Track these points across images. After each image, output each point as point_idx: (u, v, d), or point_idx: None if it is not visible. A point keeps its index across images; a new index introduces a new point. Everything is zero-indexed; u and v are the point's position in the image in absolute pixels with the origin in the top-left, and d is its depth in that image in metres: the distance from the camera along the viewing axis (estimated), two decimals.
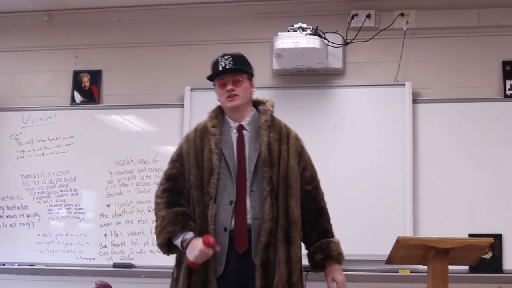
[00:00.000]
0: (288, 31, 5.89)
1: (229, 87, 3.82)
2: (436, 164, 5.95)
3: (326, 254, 3.78)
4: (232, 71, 3.86)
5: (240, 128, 3.87)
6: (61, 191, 6.53)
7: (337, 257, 3.78)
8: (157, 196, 3.83)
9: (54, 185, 6.55)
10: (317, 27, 6.00)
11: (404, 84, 6.06)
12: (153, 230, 3.79)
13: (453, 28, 6.22)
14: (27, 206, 6.58)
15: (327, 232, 3.86)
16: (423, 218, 5.87)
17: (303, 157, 3.91)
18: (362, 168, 5.99)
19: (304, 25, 5.86)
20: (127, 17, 6.83)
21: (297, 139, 3.94)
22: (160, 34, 6.75)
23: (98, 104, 6.71)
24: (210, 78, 3.91)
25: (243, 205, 3.68)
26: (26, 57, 7.00)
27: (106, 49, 6.83)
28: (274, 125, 3.88)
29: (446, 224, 5.79)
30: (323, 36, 6.03)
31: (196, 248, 3.54)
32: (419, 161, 5.96)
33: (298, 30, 5.85)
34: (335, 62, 6.25)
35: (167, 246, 3.72)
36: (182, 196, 3.79)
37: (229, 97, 3.83)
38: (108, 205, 6.42)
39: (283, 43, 5.84)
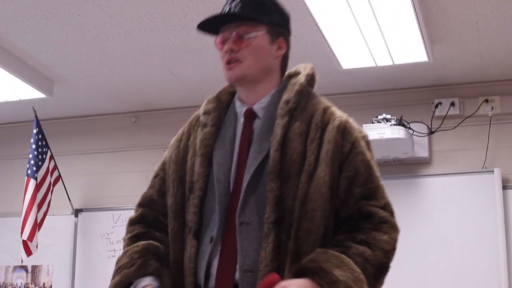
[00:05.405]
0: (373, 123, 5.90)
1: (227, 46, 2.41)
2: None
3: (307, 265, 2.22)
4: (233, 17, 2.43)
5: (249, 115, 2.44)
6: None
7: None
8: (125, 232, 2.56)
9: None
10: (401, 117, 6.00)
11: (493, 171, 5.96)
12: None
13: None
14: None
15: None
16: None
17: (351, 161, 2.34)
18: (453, 259, 5.85)
19: (388, 116, 5.87)
20: None
21: (345, 130, 2.37)
22: None
23: None
24: (203, 29, 2.50)
25: (231, 245, 2.28)
26: (115, 158, 7.16)
27: None
28: (304, 109, 2.39)
29: None
30: (408, 126, 6.03)
31: None
32: None
33: (382, 121, 5.86)
34: (421, 151, 6.21)
35: None
36: (156, 227, 2.49)
37: (227, 63, 2.44)
38: None
39: (368, 135, 5.82)
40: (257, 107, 2.43)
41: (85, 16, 5.09)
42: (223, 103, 2.52)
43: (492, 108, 6.18)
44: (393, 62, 5.71)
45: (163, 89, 6.51)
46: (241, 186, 2.31)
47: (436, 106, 6.28)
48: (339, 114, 2.41)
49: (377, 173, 2.38)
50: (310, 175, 2.27)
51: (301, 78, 2.44)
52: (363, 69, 5.86)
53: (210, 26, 2.48)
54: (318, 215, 2.24)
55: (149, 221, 2.51)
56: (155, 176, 2.57)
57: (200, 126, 2.48)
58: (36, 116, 6.55)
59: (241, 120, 2.44)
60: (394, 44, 5.38)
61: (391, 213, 2.35)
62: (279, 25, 2.46)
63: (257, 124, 2.40)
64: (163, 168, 2.56)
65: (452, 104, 6.25)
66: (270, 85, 2.44)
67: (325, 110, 2.40)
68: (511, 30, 5.28)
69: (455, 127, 6.20)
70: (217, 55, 5.65)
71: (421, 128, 6.22)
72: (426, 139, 6.23)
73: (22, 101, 6.56)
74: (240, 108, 2.46)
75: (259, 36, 2.39)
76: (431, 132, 6.25)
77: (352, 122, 2.44)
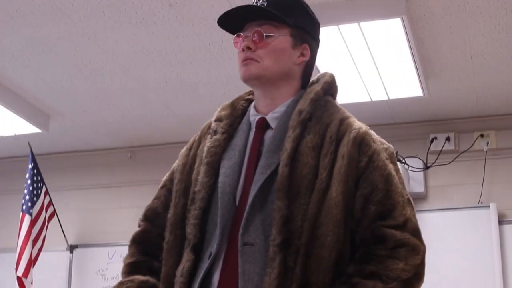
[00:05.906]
0: None
1: (244, 43, 2.23)
2: None
3: None
4: (253, 12, 2.25)
5: (261, 125, 2.25)
6: None
7: None
8: (127, 252, 2.41)
9: None
10: (397, 152, 5.98)
11: (489, 206, 5.94)
12: None
13: None
14: None
15: None
16: None
17: (367, 177, 2.11)
18: None
19: None
20: None
21: (363, 142, 2.15)
22: None
23: None
24: (224, 27, 2.32)
25: (232, 266, 2.07)
26: (110, 193, 7.14)
27: None
28: (319, 120, 2.19)
29: None
30: (403, 161, 6.04)
31: None
32: (510, 285, 5.79)
33: None
34: (417, 186, 6.21)
35: None
36: (158, 248, 2.28)
37: (244, 59, 2.24)
38: None
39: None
40: (271, 117, 2.23)
41: (81, 51, 5.12)
42: (238, 110, 2.33)
43: (488, 143, 6.18)
44: (388, 97, 5.73)
45: (159, 124, 6.52)
46: (247, 201, 2.10)
47: (432, 141, 6.28)
48: (357, 125, 2.19)
49: (399, 188, 2.13)
50: (321, 194, 2.05)
51: (317, 87, 2.26)
52: (358, 104, 5.84)
53: (231, 24, 2.30)
54: (329, 240, 2.02)
55: (151, 241, 2.32)
56: (162, 187, 2.39)
57: (210, 134, 2.28)
58: (31, 151, 6.54)
59: (254, 129, 2.24)
60: (389, 79, 5.39)
61: (412, 231, 2.13)
62: (304, 30, 2.29)
63: (268, 135, 2.20)
64: (171, 178, 2.37)
65: (448, 139, 6.26)
66: (287, 93, 2.26)
67: (342, 121, 2.19)
68: (505, 65, 5.30)
69: (450, 162, 6.20)
70: (212, 90, 5.72)
71: (417, 163, 6.22)
72: (421, 174, 6.23)
73: (18, 136, 6.56)
74: (254, 117, 2.26)
75: (280, 37, 2.22)
76: (426, 167, 6.25)
77: (372, 133, 2.22)
